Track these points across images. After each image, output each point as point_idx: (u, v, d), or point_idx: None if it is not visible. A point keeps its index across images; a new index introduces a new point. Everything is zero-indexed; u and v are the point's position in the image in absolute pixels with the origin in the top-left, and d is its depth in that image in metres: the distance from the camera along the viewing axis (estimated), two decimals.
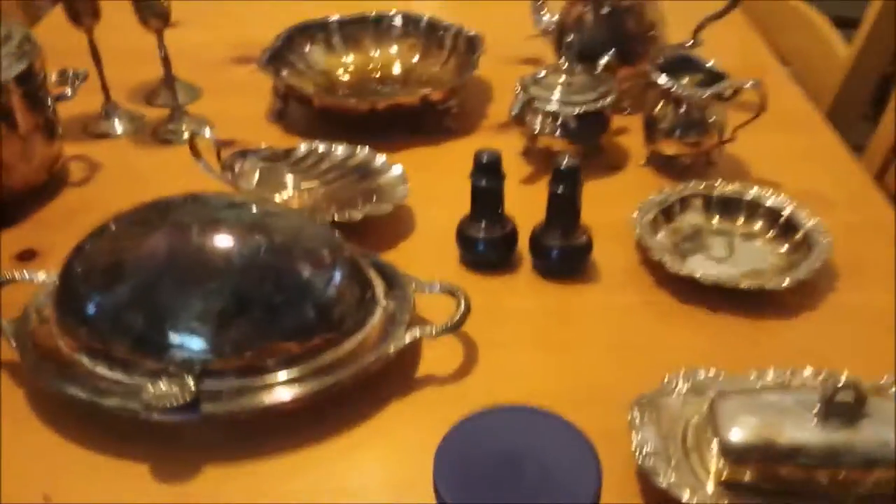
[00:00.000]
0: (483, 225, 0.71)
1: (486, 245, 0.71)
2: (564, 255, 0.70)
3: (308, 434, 0.57)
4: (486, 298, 0.69)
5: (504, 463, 0.46)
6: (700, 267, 0.70)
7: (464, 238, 0.72)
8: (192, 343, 0.55)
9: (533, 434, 0.48)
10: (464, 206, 0.72)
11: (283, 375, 0.56)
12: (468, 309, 0.62)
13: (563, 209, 0.68)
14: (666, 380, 0.58)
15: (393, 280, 0.65)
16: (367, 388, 0.60)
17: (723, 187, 0.78)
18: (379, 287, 0.64)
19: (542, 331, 0.68)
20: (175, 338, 0.54)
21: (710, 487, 0.51)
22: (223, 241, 0.57)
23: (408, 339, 0.60)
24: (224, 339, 0.55)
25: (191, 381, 0.54)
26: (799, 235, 0.73)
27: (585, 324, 0.68)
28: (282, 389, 0.55)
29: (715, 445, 0.51)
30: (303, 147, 0.82)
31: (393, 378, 0.62)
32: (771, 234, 0.76)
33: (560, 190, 0.67)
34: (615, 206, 0.78)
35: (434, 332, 0.60)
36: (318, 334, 0.57)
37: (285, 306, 0.56)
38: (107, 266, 0.57)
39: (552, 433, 0.48)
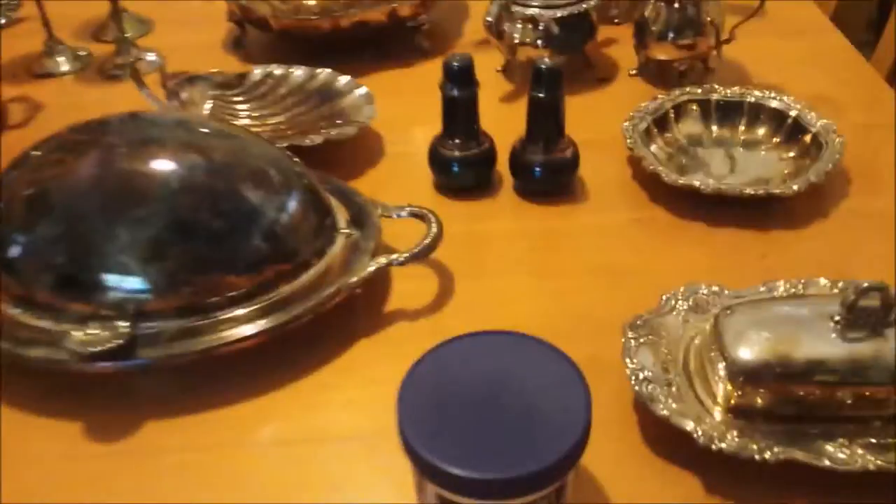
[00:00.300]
0: (457, 142, 0.64)
1: (461, 165, 0.64)
2: (548, 172, 0.63)
3: (266, 379, 0.51)
4: (463, 225, 0.62)
5: (480, 395, 0.40)
6: (698, 178, 0.63)
7: (437, 159, 0.65)
8: (125, 281, 0.48)
9: (513, 361, 0.42)
10: (437, 130, 0.65)
11: (231, 314, 0.49)
12: (440, 232, 0.55)
13: (546, 117, 0.61)
14: (663, 299, 0.51)
15: (357, 207, 0.58)
16: (331, 325, 0.54)
17: (722, 91, 0.71)
18: (341, 215, 0.57)
19: (526, 256, 0.61)
20: (104, 276, 0.48)
21: (718, 415, 0.45)
22: (156, 162, 0.50)
23: (373, 267, 0.53)
24: (160, 275, 0.48)
25: (124, 324, 0.47)
26: (807, 138, 0.66)
27: (573, 246, 0.61)
28: (231, 329, 0.49)
29: (722, 367, 0.45)
30: (257, 71, 0.75)
31: (360, 314, 0.55)
32: (776, 139, 0.69)
33: (541, 94, 0.60)
34: (604, 121, 0.71)
35: (403, 260, 0.54)
36: (270, 266, 0.51)
37: (230, 235, 0.49)
38: (27, 199, 0.50)
39: (535, 360, 0.42)
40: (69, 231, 0.48)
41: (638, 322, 0.49)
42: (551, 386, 0.40)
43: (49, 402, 0.49)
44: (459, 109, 0.62)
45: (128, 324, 0.48)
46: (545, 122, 0.62)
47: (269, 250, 0.51)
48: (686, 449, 0.44)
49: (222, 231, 0.49)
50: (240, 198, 0.51)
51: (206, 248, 0.49)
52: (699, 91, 0.71)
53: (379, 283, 0.58)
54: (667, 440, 0.45)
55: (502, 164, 0.66)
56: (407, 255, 0.54)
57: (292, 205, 0.53)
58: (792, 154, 0.67)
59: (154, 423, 0.48)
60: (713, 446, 0.42)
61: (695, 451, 0.43)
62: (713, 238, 0.60)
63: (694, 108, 0.71)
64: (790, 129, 0.68)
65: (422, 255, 0.54)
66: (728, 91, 0.71)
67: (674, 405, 0.44)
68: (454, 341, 0.43)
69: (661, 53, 0.76)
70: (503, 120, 0.68)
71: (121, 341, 0.46)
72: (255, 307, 0.50)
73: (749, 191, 0.60)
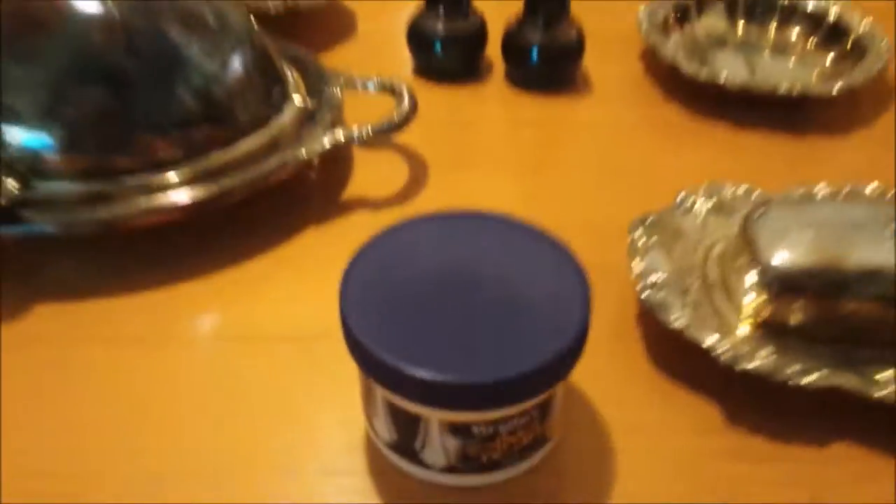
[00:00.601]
0: (441, 16, 0.54)
1: (445, 45, 0.55)
2: (548, 56, 0.54)
3: (193, 263, 0.41)
4: (445, 113, 0.53)
5: (447, 284, 0.31)
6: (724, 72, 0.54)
7: (417, 36, 0.55)
8: (16, 131, 0.38)
9: (491, 246, 0.32)
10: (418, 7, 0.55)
11: (149, 181, 0.40)
12: (414, 108, 0.45)
13: None
14: (680, 197, 0.42)
15: (316, 77, 0.49)
16: (277, 209, 0.44)
17: None
18: (298, 86, 0.48)
19: (518, 149, 0.51)
20: None
21: (744, 329, 0.36)
22: None
23: (327, 140, 0.44)
24: (61, 125, 0.38)
25: (11, 183, 0.38)
26: (848, 42, 0.57)
27: (574, 142, 0.52)
28: (148, 198, 0.40)
29: (753, 275, 0.36)
30: None
31: (313, 199, 0.46)
32: (811, 43, 0.59)
33: None
34: (613, 13, 0.61)
35: (366, 136, 0.44)
36: (198, 127, 0.41)
37: (148, 82, 0.40)
38: None
39: (519, 246, 0.32)
40: None
41: (648, 220, 0.40)
42: (539, 275, 0.31)
43: None
44: None
45: (17, 184, 0.38)
46: None
47: (197, 108, 0.41)
48: (700, 370, 0.35)
49: (139, 76, 0.39)
50: (164, 40, 0.40)
51: (117, 97, 0.39)
52: None
53: (337, 166, 0.48)
54: (677, 359, 0.36)
55: (493, 49, 0.56)
56: (371, 129, 0.44)
57: (234, 61, 0.43)
58: (828, 61, 0.58)
59: (52, 307, 0.39)
60: (739, 366, 0.33)
61: (711, 374, 0.34)
62: (738, 140, 0.51)
63: (718, 3, 0.61)
64: (829, 32, 0.59)
65: (389, 132, 0.44)
66: None
67: (689, 317, 0.36)
68: (418, 221, 0.34)
69: None
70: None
71: (3, 203, 0.37)
72: (179, 175, 0.40)
73: (783, 89, 0.51)
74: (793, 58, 0.59)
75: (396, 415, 0.30)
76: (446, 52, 0.55)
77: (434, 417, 0.29)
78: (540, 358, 0.28)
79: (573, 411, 0.34)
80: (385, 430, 0.31)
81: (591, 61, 0.56)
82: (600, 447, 0.33)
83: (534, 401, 0.29)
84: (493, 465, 0.31)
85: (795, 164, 0.49)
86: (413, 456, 0.31)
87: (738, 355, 0.34)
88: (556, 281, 0.31)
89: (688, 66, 0.53)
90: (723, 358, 0.33)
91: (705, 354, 0.34)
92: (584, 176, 0.49)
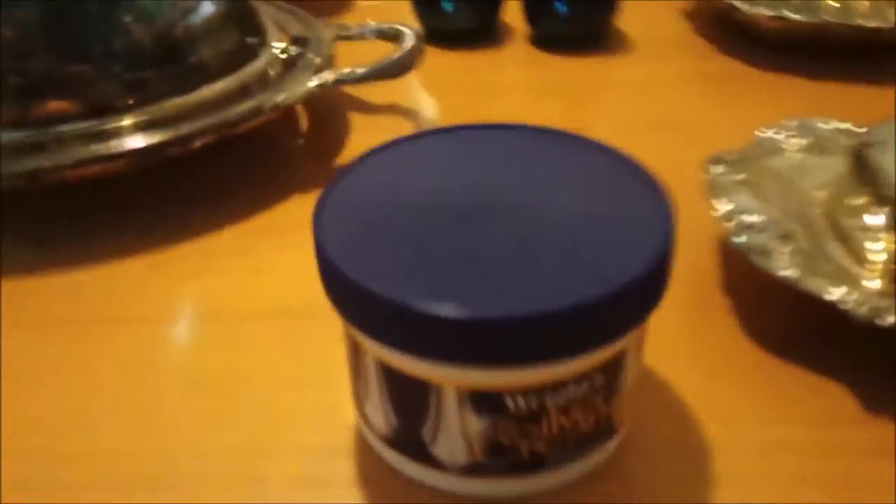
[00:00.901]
0: None
1: (456, 1, 0.47)
2: (577, 9, 0.46)
3: (161, 232, 0.32)
4: (460, 78, 0.45)
5: (472, 206, 0.22)
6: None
7: None
8: None
9: (527, 159, 0.23)
10: None
11: (92, 127, 0.31)
12: (419, 47, 0.37)
13: None
14: (763, 134, 0.33)
15: (306, 25, 0.41)
16: (260, 175, 0.36)
17: None
18: (281, 34, 0.39)
19: (547, 110, 0.42)
20: None
21: (874, 282, 0.26)
22: None
23: (314, 84, 0.35)
24: None
25: None
26: None
27: (614, 100, 0.43)
28: (84, 146, 0.31)
29: (879, 216, 0.27)
30: None
31: (302, 165, 0.38)
32: None
33: None
34: None
35: (359, 75, 0.35)
36: (150, 68, 0.33)
37: (100, 15, 0.32)
38: None
39: (568, 158, 0.23)
40: None
41: (729, 157, 0.31)
42: (600, 190, 0.22)
43: None
44: None
45: None
46: None
47: (149, 48, 0.33)
48: (818, 338, 0.25)
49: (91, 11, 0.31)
50: None
51: (53, 28, 0.31)
52: None
53: (330, 131, 0.40)
54: (783, 324, 0.27)
55: (513, 11, 0.48)
56: (366, 70, 0.36)
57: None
58: None
59: None
60: (882, 321, 0.23)
61: (833, 342, 0.25)
62: (814, 94, 0.42)
63: None
64: None
65: (390, 73, 0.36)
66: None
67: (802, 264, 0.26)
68: (432, 132, 0.25)
69: None
70: None
71: None
72: (127, 121, 0.32)
73: (873, 24, 0.42)
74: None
75: (396, 387, 0.20)
76: (457, 10, 0.47)
77: (449, 383, 0.19)
78: (606, 286, 0.18)
79: (647, 397, 0.25)
80: (381, 417, 0.21)
81: (627, 20, 0.48)
82: (686, 444, 0.23)
83: (597, 356, 0.19)
84: (535, 463, 0.21)
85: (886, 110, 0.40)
86: (420, 451, 0.21)
87: (877, 308, 0.24)
88: (624, 197, 0.21)
89: (751, 6, 0.44)
90: (859, 312, 0.24)
91: (827, 314, 0.24)
92: (629, 134, 0.39)
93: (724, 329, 0.27)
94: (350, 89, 0.43)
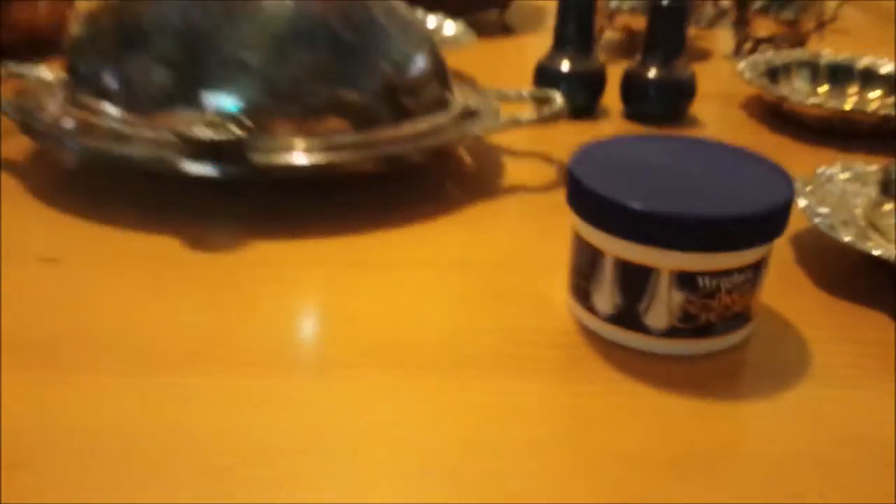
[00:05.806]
0: (570, 55, 0.61)
1: (571, 83, 0.62)
2: (665, 91, 0.61)
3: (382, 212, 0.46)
4: (573, 138, 0.59)
5: (666, 168, 0.35)
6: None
7: (543, 75, 0.62)
8: (243, 84, 0.44)
9: (697, 153, 0.37)
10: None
11: (355, 137, 0.45)
12: (565, 105, 0.51)
13: (668, 30, 0.59)
14: (819, 170, 0.47)
15: (471, 88, 0.55)
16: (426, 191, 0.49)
17: (830, 56, 0.69)
18: (457, 89, 0.54)
19: None
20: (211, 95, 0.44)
21: None
22: None
23: (502, 121, 0.49)
24: (284, 80, 0.44)
25: (234, 128, 0.43)
26: None
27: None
28: (353, 150, 0.45)
29: None
30: None
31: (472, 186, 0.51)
32: (893, 98, 0.66)
33: (666, 2, 0.58)
34: (710, 74, 0.69)
35: (534, 119, 0.50)
36: (377, 107, 0.47)
37: (358, 52, 0.46)
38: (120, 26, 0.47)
39: (723, 155, 0.37)
40: (184, 32, 0.45)
41: (798, 180, 0.45)
42: (749, 167, 0.36)
43: (143, 220, 0.44)
44: (578, 12, 0.60)
45: (238, 128, 0.43)
46: (667, 36, 0.59)
47: (392, 81, 0.47)
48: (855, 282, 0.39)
49: (351, 45, 0.46)
50: (373, 21, 0.47)
51: (330, 60, 0.45)
52: (807, 55, 0.70)
53: (488, 162, 0.54)
54: (848, 278, 0.40)
55: (612, 91, 0.63)
56: (536, 117, 0.50)
57: (417, 56, 0.49)
58: None
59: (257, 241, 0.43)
60: None
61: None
62: (841, 158, 0.57)
63: (804, 71, 0.69)
64: None
65: (551, 119, 0.50)
66: (838, 56, 0.69)
67: (856, 234, 0.39)
68: (627, 137, 0.39)
69: (762, 29, 0.76)
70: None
71: (236, 136, 0.42)
72: (361, 137, 0.45)
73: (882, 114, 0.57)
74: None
75: (626, 275, 0.33)
76: (572, 91, 0.62)
77: (665, 268, 0.32)
78: (761, 204, 0.32)
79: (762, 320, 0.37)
80: (607, 301, 0.34)
81: (696, 106, 0.63)
82: (785, 338, 0.36)
83: (753, 253, 0.32)
84: (708, 330, 0.33)
85: None
86: (635, 321, 0.34)
87: None
88: (764, 173, 0.35)
89: (801, 101, 0.59)
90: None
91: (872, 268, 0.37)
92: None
93: (807, 288, 0.40)
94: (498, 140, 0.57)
